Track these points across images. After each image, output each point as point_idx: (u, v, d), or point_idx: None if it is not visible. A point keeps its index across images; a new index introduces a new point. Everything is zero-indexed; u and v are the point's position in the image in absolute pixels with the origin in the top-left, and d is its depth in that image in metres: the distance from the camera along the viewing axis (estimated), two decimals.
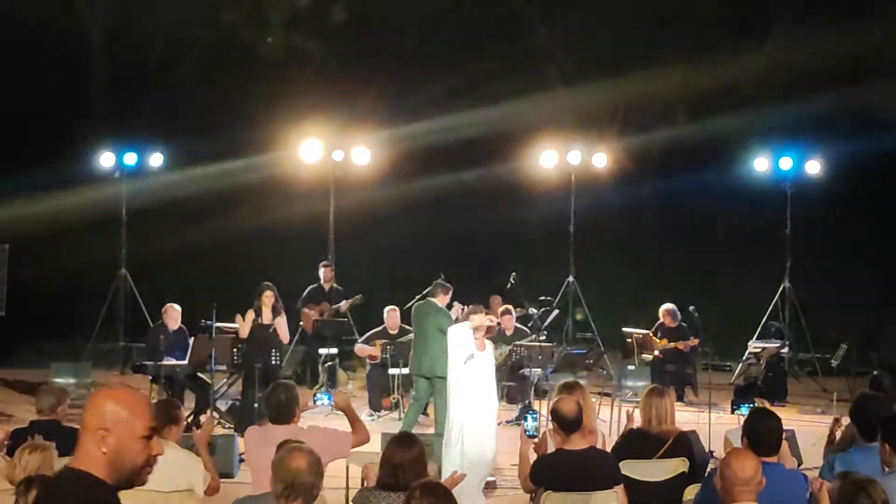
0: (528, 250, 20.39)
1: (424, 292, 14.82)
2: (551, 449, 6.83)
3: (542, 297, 16.75)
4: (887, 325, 16.85)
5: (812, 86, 19.81)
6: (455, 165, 20.68)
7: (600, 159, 18.80)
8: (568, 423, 6.60)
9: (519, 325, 14.45)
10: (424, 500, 4.76)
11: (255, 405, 11.46)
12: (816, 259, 19.47)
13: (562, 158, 18.52)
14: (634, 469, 6.94)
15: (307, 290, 16.01)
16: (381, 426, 11.87)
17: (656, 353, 15.42)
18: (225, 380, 13.94)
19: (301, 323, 15.86)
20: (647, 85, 21.62)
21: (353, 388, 15.13)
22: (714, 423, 10.87)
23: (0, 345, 16.31)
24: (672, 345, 15.33)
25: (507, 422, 12.59)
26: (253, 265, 18.72)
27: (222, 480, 7.57)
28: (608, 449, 7.14)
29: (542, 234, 20.51)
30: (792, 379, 17.03)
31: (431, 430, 11.28)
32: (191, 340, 13.00)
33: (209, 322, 12.48)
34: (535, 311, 14.34)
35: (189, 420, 11.94)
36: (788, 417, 12.03)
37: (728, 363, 18.12)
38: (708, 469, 7.06)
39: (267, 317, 12.58)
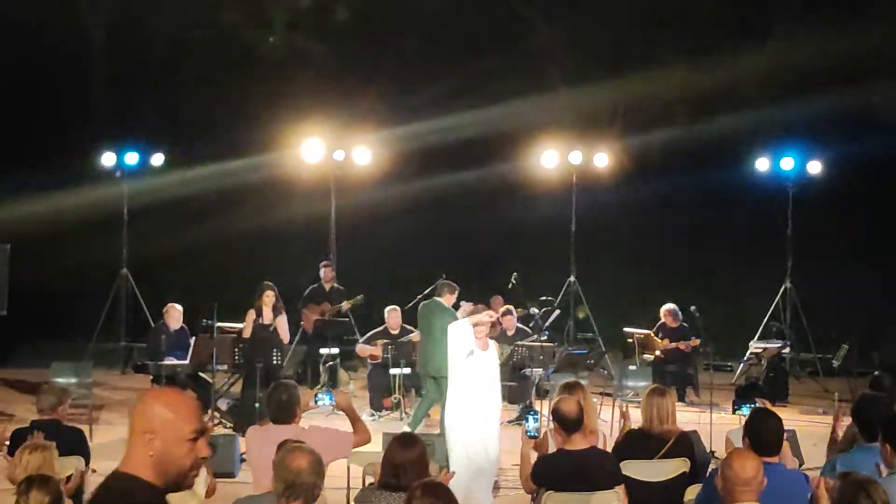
0: (529, 250, 20.38)
1: (426, 292, 14.86)
2: (552, 449, 6.84)
3: (544, 297, 16.76)
4: (888, 326, 16.84)
5: (813, 86, 19.80)
6: (456, 165, 20.67)
7: (601, 159, 18.80)
8: (569, 424, 6.60)
9: (520, 325, 14.45)
10: (425, 499, 4.76)
11: (257, 405, 11.46)
12: (818, 259, 19.46)
13: (563, 158, 18.52)
14: (635, 469, 6.94)
15: (308, 290, 16.02)
16: (382, 426, 11.88)
17: (657, 353, 15.42)
18: (226, 379, 13.94)
19: (302, 323, 15.86)
20: (648, 85, 21.62)
21: (355, 388, 15.14)
22: (715, 424, 10.87)
23: (1, 344, 16.31)
24: (673, 345, 15.33)
25: (509, 422, 12.59)
26: (254, 265, 18.73)
27: (223, 480, 7.59)
28: (609, 449, 7.15)
29: (543, 234, 20.49)
30: (793, 379, 17.03)
31: (433, 430, 11.28)
32: (192, 340, 13.01)
33: (210, 322, 12.49)
34: (536, 311, 14.33)
35: None
36: (789, 418, 12.03)
37: (729, 363, 18.11)
38: (709, 469, 7.06)
39: (267, 316, 12.59)
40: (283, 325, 12.69)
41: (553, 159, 18.49)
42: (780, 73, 21.42)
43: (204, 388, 12.74)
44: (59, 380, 11.99)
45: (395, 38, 22.37)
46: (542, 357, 13.09)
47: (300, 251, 18.75)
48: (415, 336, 14.27)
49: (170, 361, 12.86)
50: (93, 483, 8.06)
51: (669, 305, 15.73)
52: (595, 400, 9.02)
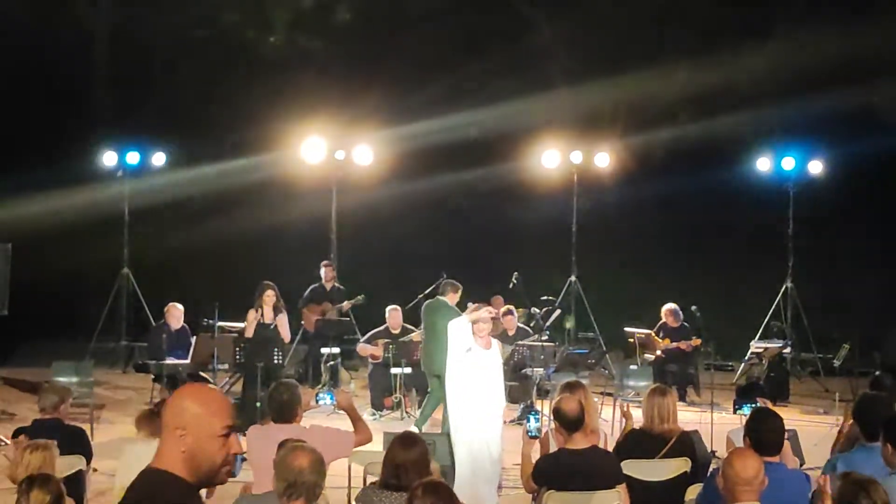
0: (530, 250, 20.37)
1: (428, 291, 14.87)
2: (553, 448, 6.84)
3: (545, 297, 16.77)
4: (889, 326, 16.84)
5: (814, 86, 19.77)
6: (457, 165, 20.66)
7: (602, 159, 18.80)
8: (570, 423, 6.60)
9: (521, 325, 14.46)
10: (426, 499, 4.76)
11: (258, 404, 11.46)
12: (819, 259, 19.47)
13: (564, 158, 18.52)
14: (637, 469, 6.95)
15: (308, 290, 16.02)
16: (383, 425, 11.88)
17: (658, 352, 15.42)
18: (227, 379, 13.95)
19: (302, 322, 15.86)
20: (650, 85, 21.60)
21: (355, 388, 15.14)
22: (716, 423, 10.86)
23: (2, 343, 16.31)
24: (674, 345, 15.33)
25: (510, 421, 12.59)
26: (255, 265, 18.72)
27: None
28: (610, 449, 7.15)
29: (544, 233, 20.49)
30: (794, 379, 17.04)
31: (435, 430, 11.28)
32: (193, 340, 13.01)
33: (211, 321, 12.49)
34: (537, 310, 14.34)
35: None
36: (790, 417, 12.03)
37: (730, 363, 18.11)
38: (710, 469, 7.06)
39: (268, 316, 12.59)
40: (283, 324, 12.69)
41: (554, 159, 18.49)
42: (782, 73, 21.38)
43: None
44: (60, 379, 11.98)
45: (396, 38, 22.34)
46: (542, 357, 13.09)
47: (301, 251, 18.74)
48: (416, 335, 14.28)
49: (171, 361, 12.86)
50: (94, 482, 8.09)
51: (670, 305, 15.73)
52: (596, 399, 9.02)
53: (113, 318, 17.52)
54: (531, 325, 14.43)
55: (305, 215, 19.37)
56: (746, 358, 17.03)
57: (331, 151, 17.24)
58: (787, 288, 18.40)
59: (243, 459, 9.89)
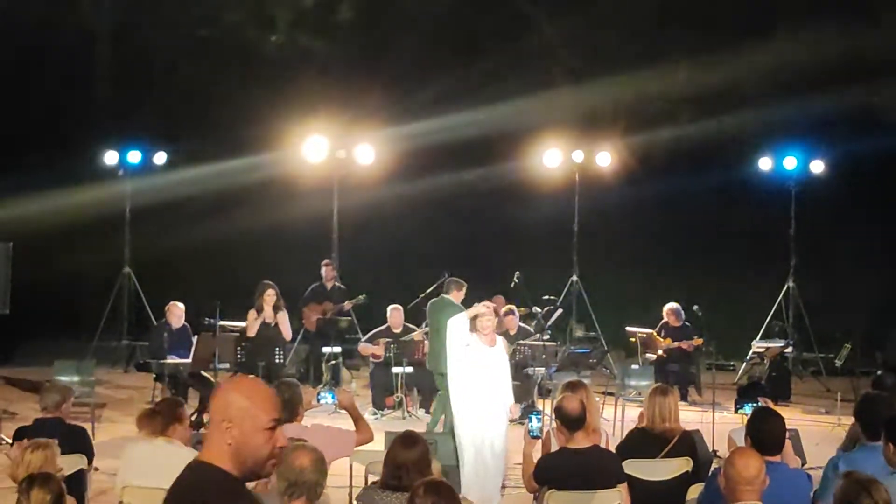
0: (531, 249, 20.35)
1: (429, 290, 14.86)
2: (555, 448, 6.84)
3: (546, 297, 16.77)
4: (891, 325, 16.82)
5: (816, 85, 19.76)
6: (459, 164, 20.65)
7: (604, 158, 18.80)
8: (571, 422, 6.60)
9: (522, 325, 14.45)
10: (428, 498, 4.76)
11: None
12: (820, 259, 19.45)
13: (566, 157, 18.52)
14: (638, 468, 6.95)
15: (309, 289, 16.02)
16: (385, 425, 11.87)
17: (660, 352, 15.42)
18: (229, 377, 13.94)
19: (303, 322, 15.86)
20: (651, 84, 21.59)
21: (357, 387, 15.14)
22: (718, 423, 10.86)
23: (4, 343, 16.33)
24: (676, 344, 15.33)
25: (512, 421, 12.58)
26: (256, 264, 18.71)
27: None
28: (612, 448, 7.15)
29: (546, 233, 20.48)
30: (796, 378, 17.03)
31: (436, 429, 11.27)
32: (194, 339, 13.00)
33: (213, 320, 12.49)
34: (538, 310, 14.34)
35: (193, 418, 11.95)
36: (792, 417, 12.04)
37: (732, 363, 18.11)
38: (711, 468, 7.06)
39: (269, 315, 12.58)
40: (284, 322, 12.69)
41: (556, 158, 18.49)
42: (784, 73, 21.37)
43: (206, 387, 12.75)
44: (62, 378, 11.99)
45: (398, 37, 22.33)
46: (544, 356, 13.09)
47: (302, 250, 18.73)
48: (417, 335, 14.28)
49: (172, 360, 12.85)
50: (95, 481, 8.09)
51: (672, 304, 15.73)
52: (597, 399, 9.01)
53: (114, 317, 17.53)
54: (532, 324, 14.42)
55: (307, 214, 19.36)
56: (748, 357, 17.03)
57: (332, 150, 17.24)
58: (788, 287, 18.39)
59: None
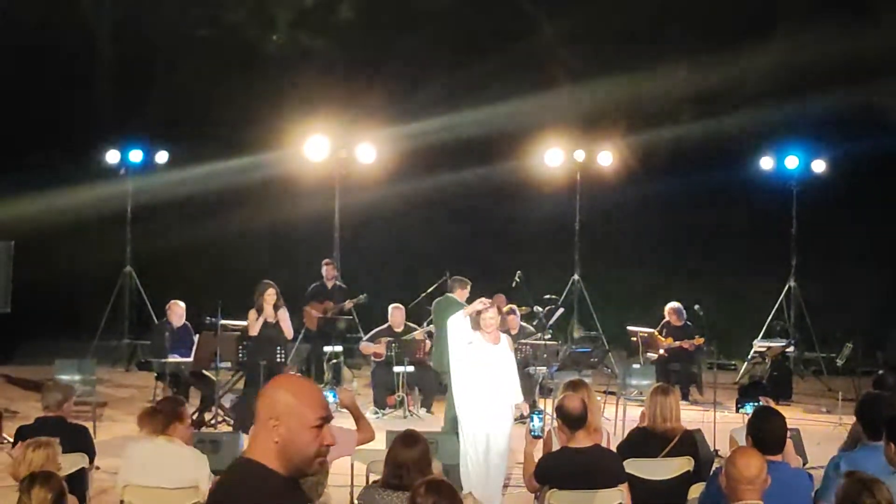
0: (532, 249, 20.37)
1: (430, 290, 14.86)
2: (556, 447, 6.84)
3: (547, 296, 16.77)
4: (892, 325, 16.83)
5: (817, 85, 19.76)
6: (460, 164, 20.65)
7: (606, 158, 18.80)
8: (572, 420, 6.60)
9: (524, 324, 14.45)
10: (429, 498, 4.75)
11: None
12: (822, 258, 19.45)
13: (567, 157, 18.52)
14: (639, 467, 6.95)
15: (310, 288, 16.01)
16: (386, 424, 11.87)
17: (661, 351, 15.42)
18: (230, 377, 13.94)
19: (304, 321, 15.86)
20: (653, 83, 21.58)
21: (358, 386, 15.13)
22: (719, 422, 10.86)
23: (5, 341, 16.33)
24: (677, 343, 15.33)
25: (516, 419, 12.59)
26: (257, 263, 18.74)
27: None
28: (613, 447, 7.14)
29: (547, 232, 20.49)
30: (797, 378, 17.02)
31: (432, 428, 11.26)
32: (195, 338, 13.00)
33: (214, 319, 12.48)
34: (539, 309, 14.34)
35: (194, 417, 11.95)
36: (793, 416, 12.03)
37: (733, 362, 18.11)
38: (713, 468, 7.06)
39: (269, 314, 12.58)
40: (285, 320, 12.68)
41: (557, 158, 18.49)
42: (785, 72, 21.36)
43: (208, 386, 12.75)
44: (63, 377, 11.99)
45: (399, 36, 22.33)
46: (545, 355, 13.09)
47: (304, 249, 18.75)
48: (418, 334, 14.28)
49: (173, 359, 12.86)
50: (96, 480, 8.09)
51: (673, 304, 15.72)
52: (599, 398, 9.01)
53: (115, 316, 17.54)
54: (533, 323, 14.42)
55: (308, 214, 19.37)
56: (749, 357, 17.03)
57: (334, 150, 17.23)
58: (790, 287, 18.38)
59: None
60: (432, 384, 13.96)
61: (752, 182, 19.61)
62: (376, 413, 13.57)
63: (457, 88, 20.88)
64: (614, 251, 21.15)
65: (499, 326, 9.33)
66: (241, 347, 12.36)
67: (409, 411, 13.57)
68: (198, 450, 7.02)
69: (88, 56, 21.76)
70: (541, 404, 12.42)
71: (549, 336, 13.77)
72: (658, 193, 21.42)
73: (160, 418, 6.80)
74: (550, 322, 14.59)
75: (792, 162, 18.41)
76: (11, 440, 7.69)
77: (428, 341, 14.09)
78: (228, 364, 12.69)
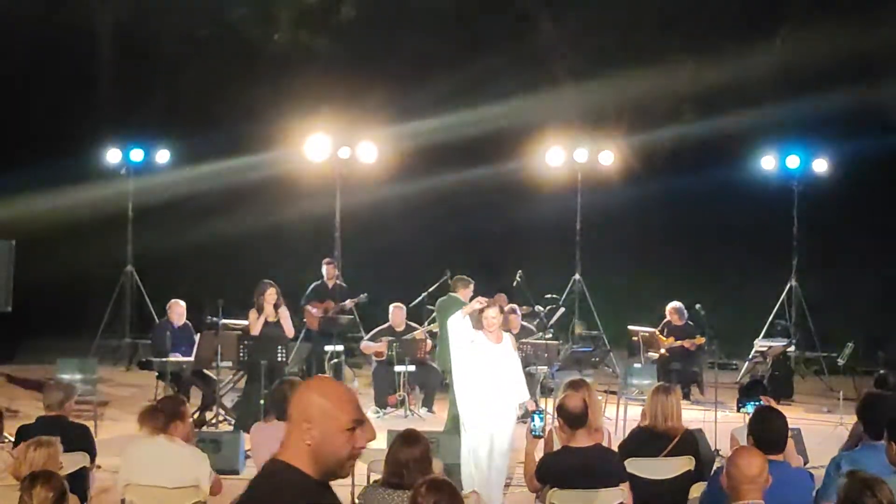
0: (534, 248, 20.37)
1: (431, 289, 14.85)
2: (557, 446, 6.84)
3: (548, 295, 16.77)
4: (894, 324, 16.83)
5: (819, 84, 19.76)
6: (461, 163, 20.65)
7: (607, 157, 18.79)
8: (573, 419, 6.60)
9: (525, 324, 14.44)
10: (430, 497, 4.75)
11: (261, 402, 11.45)
12: (823, 258, 19.44)
13: (568, 156, 18.51)
14: (641, 467, 6.95)
15: (310, 288, 16.00)
16: (387, 423, 11.87)
17: (662, 351, 15.41)
18: (231, 376, 13.94)
19: (304, 320, 15.86)
20: (655, 82, 21.58)
21: (359, 386, 15.13)
22: (720, 422, 10.86)
23: (6, 341, 16.33)
24: (678, 343, 15.32)
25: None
26: (258, 262, 18.73)
27: (227, 477, 7.59)
28: (614, 447, 7.15)
29: (549, 231, 20.48)
30: (798, 377, 17.02)
31: (434, 428, 11.27)
32: (197, 337, 13.00)
33: (215, 318, 12.48)
34: (541, 308, 14.33)
35: (195, 416, 11.96)
36: (794, 416, 12.01)
37: (734, 362, 18.10)
38: (714, 467, 7.06)
39: (270, 313, 12.57)
40: (286, 318, 12.68)
41: (559, 157, 18.48)
42: (788, 71, 21.38)
43: (209, 385, 12.75)
44: (64, 376, 12.00)
45: (401, 35, 22.33)
46: (546, 355, 13.09)
47: (305, 248, 18.74)
48: (419, 333, 14.28)
49: (174, 358, 12.85)
50: (97, 479, 8.10)
51: (675, 303, 15.72)
52: (600, 398, 9.01)
53: (117, 315, 17.54)
54: (534, 323, 14.42)
55: (309, 213, 19.37)
56: (750, 356, 17.02)
57: (335, 149, 17.23)
58: (791, 286, 18.37)
59: (247, 457, 9.93)
60: (433, 383, 13.97)
61: (753, 181, 19.61)
62: (377, 412, 13.58)
63: (458, 88, 20.87)
64: (615, 250, 21.14)
65: (502, 326, 9.32)
66: (242, 346, 12.34)
67: (410, 410, 13.57)
68: (199, 449, 7.02)
69: (90, 55, 21.77)
70: (542, 404, 12.41)
71: (550, 335, 13.76)
72: (659, 192, 21.43)
73: (161, 417, 6.81)
74: (551, 321, 14.58)
75: (793, 161, 18.40)
76: (13, 439, 7.67)
77: (429, 341, 14.09)
78: (229, 363, 12.69)
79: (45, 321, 17.35)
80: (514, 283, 14.23)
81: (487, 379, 8.95)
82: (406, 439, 5.80)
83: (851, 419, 7.16)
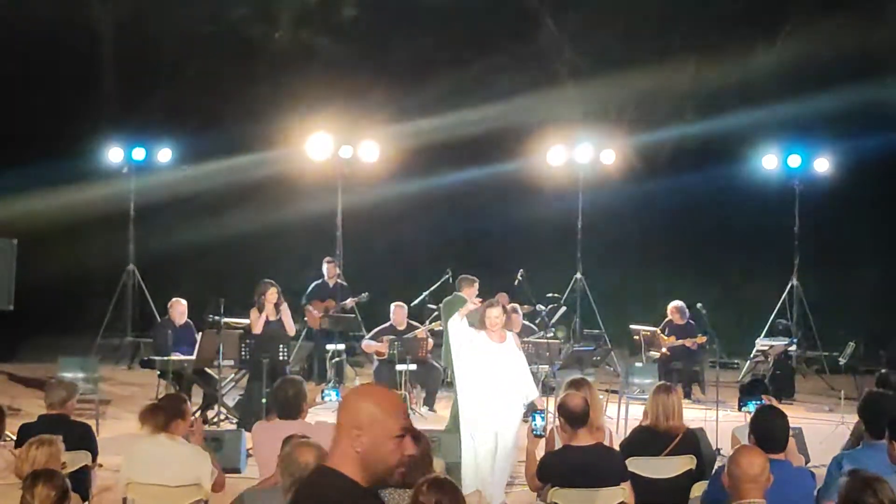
0: (535, 247, 20.37)
1: (433, 288, 14.84)
2: (559, 445, 6.84)
3: (550, 294, 16.76)
4: (895, 323, 16.82)
5: (821, 83, 19.76)
6: (463, 162, 20.65)
7: (609, 156, 18.78)
8: (574, 418, 6.60)
9: (526, 323, 14.44)
10: (431, 496, 4.75)
11: (263, 400, 11.46)
12: (824, 257, 19.45)
13: (570, 155, 18.50)
14: (642, 466, 6.95)
15: (311, 287, 16.00)
16: None
17: (664, 350, 15.40)
18: (232, 375, 13.95)
19: (305, 319, 15.87)
20: (657, 81, 21.59)
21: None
22: (721, 421, 10.86)
23: (8, 339, 16.33)
24: (680, 342, 15.31)
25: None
26: (260, 261, 18.74)
27: (229, 476, 7.59)
28: (615, 446, 7.15)
29: (550, 230, 20.48)
30: (799, 377, 17.02)
31: (435, 427, 11.27)
32: (198, 336, 13.00)
33: (216, 317, 12.48)
34: (542, 307, 14.33)
35: (196, 415, 11.95)
36: (796, 415, 12.02)
37: (736, 361, 18.09)
38: (715, 466, 7.06)
39: (272, 313, 12.58)
40: (287, 317, 12.68)
41: (560, 156, 18.48)
42: (788, 70, 21.37)
43: (210, 384, 12.76)
44: (66, 374, 12.01)
45: (402, 34, 22.33)
46: (548, 354, 13.08)
47: (306, 248, 18.75)
48: (420, 332, 14.29)
49: (176, 357, 12.86)
50: (99, 477, 8.10)
51: (676, 302, 15.71)
52: (601, 397, 9.01)
53: (118, 314, 17.54)
54: (535, 322, 14.42)
55: (310, 212, 19.37)
56: (752, 356, 17.01)
57: (336, 148, 17.22)
58: (792, 285, 18.37)
59: (249, 455, 9.93)
60: (434, 382, 13.97)
61: (754, 180, 19.61)
62: None
63: (459, 86, 20.89)
64: (617, 250, 21.14)
65: (505, 326, 9.33)
66: (244, 345, 12.35)
67: (412, 409, 13.57)
68: (202, 446, 7.03)
69: (92, 54, 21.78)
70: (543, 403, 12.41)
71: (552, 334, 13.75)
72: (661, 191, 21.43)
73: (162, 415, 6.81)
74: (553, 320, 14.57)
75: (795, 160, 18.39)
76: (14, 438, 7.68)
77: (430, 340, 14.09)
78: (231, 362, 12.69)
79: (47, 320, 17.36)
80: (516, 282, 14.23)
81: (490, 379, 8.95)
82: None
83: (853, 418, 7.16)
